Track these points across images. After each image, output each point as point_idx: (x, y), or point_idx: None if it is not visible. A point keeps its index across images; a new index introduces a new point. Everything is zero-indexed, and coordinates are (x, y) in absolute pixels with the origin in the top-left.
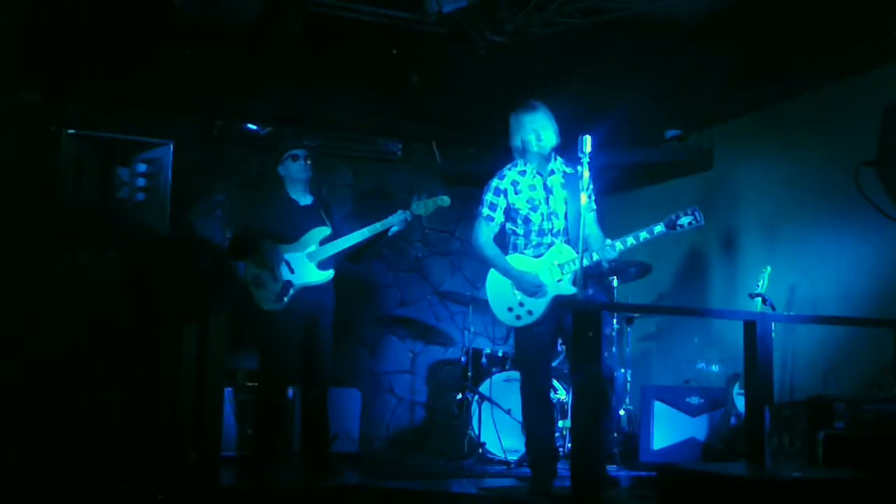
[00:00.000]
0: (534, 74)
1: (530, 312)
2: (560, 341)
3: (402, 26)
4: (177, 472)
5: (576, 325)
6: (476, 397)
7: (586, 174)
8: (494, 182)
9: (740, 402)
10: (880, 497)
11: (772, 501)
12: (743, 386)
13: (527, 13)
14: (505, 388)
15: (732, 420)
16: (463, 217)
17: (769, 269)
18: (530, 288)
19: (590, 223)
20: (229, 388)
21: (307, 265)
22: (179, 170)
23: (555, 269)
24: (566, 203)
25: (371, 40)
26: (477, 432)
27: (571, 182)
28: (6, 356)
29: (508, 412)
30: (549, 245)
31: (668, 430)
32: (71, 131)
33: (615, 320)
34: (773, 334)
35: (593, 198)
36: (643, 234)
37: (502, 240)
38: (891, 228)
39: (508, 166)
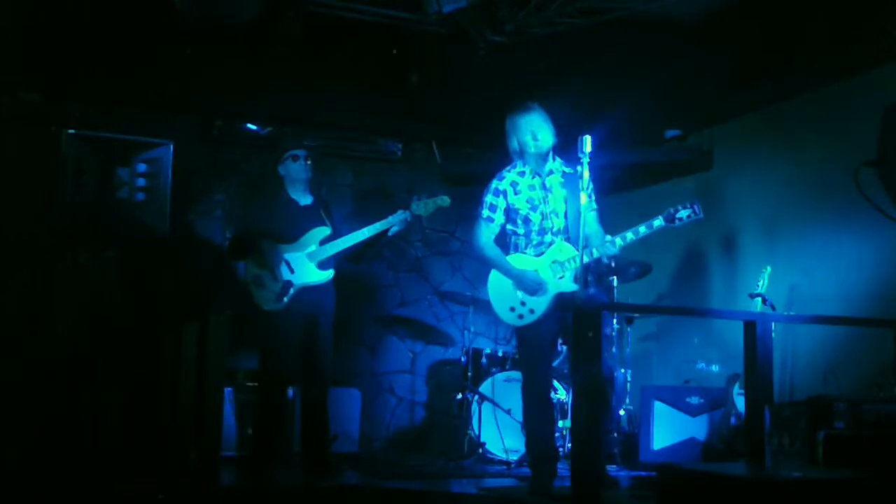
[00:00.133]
0: (534, 74)
1: (532, 311)
2: (560, 341)
3: (402, 26)
4: (177, 472)
5: (576, 325)
6: (476, 397)
7: (586, 174)
8: (494, 183)
9: (740, 402)
10: (880, 497)
11: (772, 501)
12: (743, 386)
13: (527, 13)
14: (505, 388)
15: (732, 420)
16: (463, 217)
17: (769, 269)
18: (531, 286)
19: (590, 222)
20: (229, 388)
21: (307, 265)
22: (179, 170)
23: (555, 267)
24: (566, 202)
25: (371, 40)
26: (477, 432)
27: (571, 182)
28: (6, 356)
29: (508, 412)
30: (550, 244)
31: (668, 430)
32: (71, 131)
33: (615, 320)
34: (773, 334)
35: (593, 197)
36: (642, 229)
37: (503, 240)
38: (891, 228)
39: (507, 168)
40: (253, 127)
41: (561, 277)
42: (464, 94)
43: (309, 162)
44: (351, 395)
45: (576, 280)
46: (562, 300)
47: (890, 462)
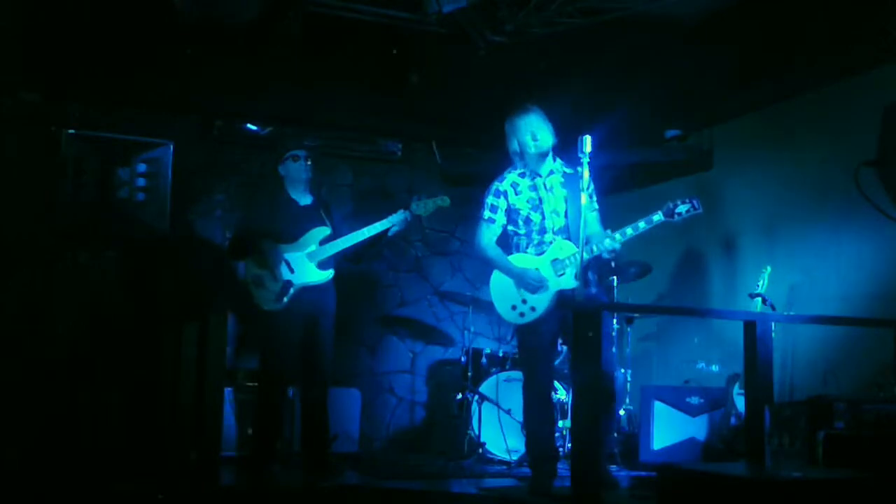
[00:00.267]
0: (534, 74)
1: (533, 308)
2: (561, 341)
3: (402, 26)
4: (177, 472)
5: (576, 325)
6: (476, 397)
7: (586, 174)
8: (494, 185)
9: (740, 402)
10: (880, 497)
11: (772, 501)
12: (743, 386)
13: (527, 13)
14: (505, 387)
15: (732, 420)
16: (463, 217)
17: (769, 269)
18: (532, 283)
19: (591, 222)
20: (229, 388)
21: (307, 265)
22: (179, 170)
23: (556, 265)
24: (566, 202)
25: (371, 40)
26: (477, 432)
27: (571, 182)
28: (6, 356)
29: (508, 412)
30: (550, 243)
31: (668, 430)
32: (71, 131)
33: (615, 320)
34: (773, 334)
35: (594, 198)
36: (642, 224)
37: (505, 241)
38: (891, 228)
39: (508, 169)
40: (253, 127)
41: (562, 275)
42: (464, 94)
43: (309, 162)
44: (351, 395)
45: (577, 278)
46: (562, 298)
47: (890, 462)
